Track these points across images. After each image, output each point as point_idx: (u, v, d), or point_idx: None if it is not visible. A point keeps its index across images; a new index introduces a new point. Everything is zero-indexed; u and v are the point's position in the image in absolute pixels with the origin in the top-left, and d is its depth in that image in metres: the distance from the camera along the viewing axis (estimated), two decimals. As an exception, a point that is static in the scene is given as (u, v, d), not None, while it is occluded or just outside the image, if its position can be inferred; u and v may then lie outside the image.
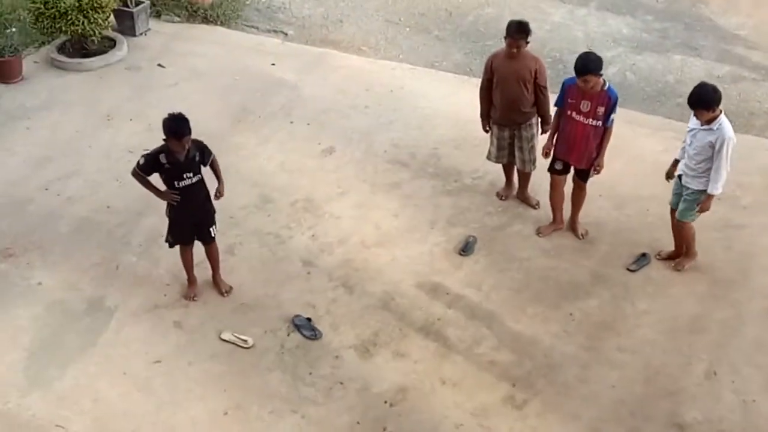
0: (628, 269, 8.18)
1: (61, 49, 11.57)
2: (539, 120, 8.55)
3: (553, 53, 11.66)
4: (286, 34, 12.28)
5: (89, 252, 8.41)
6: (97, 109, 10.58)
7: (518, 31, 8.11)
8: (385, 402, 6.98)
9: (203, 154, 7.46)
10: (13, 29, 11.67)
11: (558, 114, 8.17)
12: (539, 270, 8.17)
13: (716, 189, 7.55)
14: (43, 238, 8.60)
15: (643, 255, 8.28)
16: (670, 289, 7.98)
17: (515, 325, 7.64)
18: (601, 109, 7.78)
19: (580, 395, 7.02)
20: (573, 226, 8.56)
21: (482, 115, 8.70)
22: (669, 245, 8.23)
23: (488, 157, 8.87)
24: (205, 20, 12.53)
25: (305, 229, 8.70)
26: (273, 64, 11.47)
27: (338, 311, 7.78)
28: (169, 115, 7.14)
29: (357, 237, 8.60)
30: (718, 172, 7.46)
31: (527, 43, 8.21)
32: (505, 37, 8.19)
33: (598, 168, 8.14)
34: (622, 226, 8.66)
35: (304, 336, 7.51)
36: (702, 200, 7.70)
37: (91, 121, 10.37)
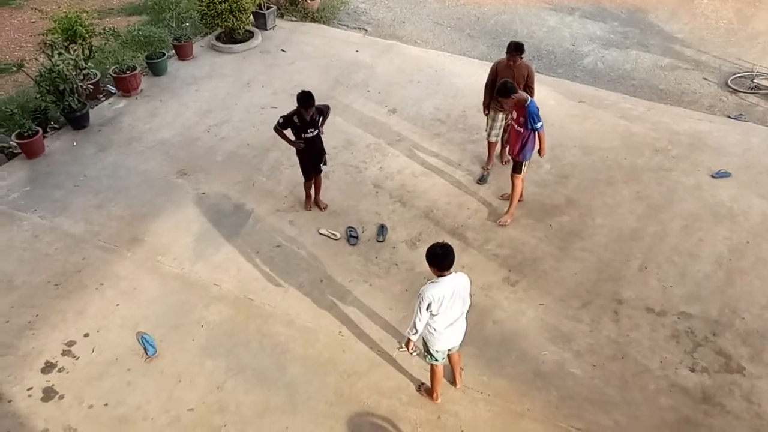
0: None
1: (218, 38, 11.52)
2: None
3: (548, 47, 11.26)
4: (367, 30, 12.04)
5: (235, 173, 8.52)
6: (241, 78, 10.56)
7: (515, 50, 7.53)
8: (424, 278, 6.94)
9: (323, 114, 7.42)
10: (187, 24, 11.73)
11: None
12: (531, 195, 8.05)
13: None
14: (206, 163, 8.72)
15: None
16: (618, 210, 7.84)
17: (512, 231, 7.60)
18: (522, 119, 7.11)
19: (553, 279, 7.01)
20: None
21: (484, 103, 8.07)
22: (620, 182, 8.05)
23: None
24: (313, 20, 12.35)
25: (375, 163, 8.67)
26: (357, 51, 11.28)
27: (395, 218, 7.79)
28: (302, 91, 7.03)
29: (409, 169, 8.54)
30: None
31: (522, 57, 7.59)
32: (506, 53, 7.61)
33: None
34: (588, 167, 8.49)
35: (352, 236, 7.50)
36: None
37: (237, 86, 10.36)
